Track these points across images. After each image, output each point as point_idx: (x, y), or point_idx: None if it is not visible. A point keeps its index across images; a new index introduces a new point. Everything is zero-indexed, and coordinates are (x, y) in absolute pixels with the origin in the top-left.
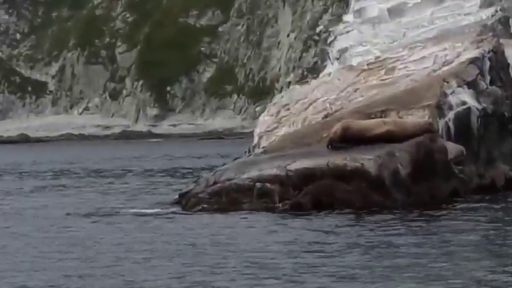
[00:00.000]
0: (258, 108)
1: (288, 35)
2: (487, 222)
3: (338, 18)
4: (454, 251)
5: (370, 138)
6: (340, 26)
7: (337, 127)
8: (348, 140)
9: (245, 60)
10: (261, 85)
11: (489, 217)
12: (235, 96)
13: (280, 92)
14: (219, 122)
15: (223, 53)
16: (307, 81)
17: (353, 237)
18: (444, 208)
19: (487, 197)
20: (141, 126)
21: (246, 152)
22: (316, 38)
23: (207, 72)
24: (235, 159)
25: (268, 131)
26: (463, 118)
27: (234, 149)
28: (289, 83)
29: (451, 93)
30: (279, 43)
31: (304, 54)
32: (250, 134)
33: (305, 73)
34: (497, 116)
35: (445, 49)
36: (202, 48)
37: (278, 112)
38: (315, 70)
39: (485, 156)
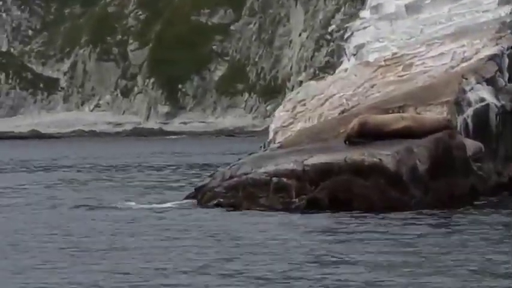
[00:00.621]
0: (269, 107)
1: (299, 34)
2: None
3: (350, 18)
4: (474, 247)
5: (388, 134)
6: (357, 22)
7: (354, 122)
8: (366, 135)
9: (257, 59)
10: (272, 84)
11: (508, 214)
12: (246, 95)
13: (292, 91)
14: (230, 120)
15: (234, 52)
16: (323, 77)
17: (372, 232)
18: (462, 205)
19: (506, 194)
20: (152, 124)
21: (261, 147)
22: (328, 37)
23: (219, 71)
24: (251, 154)
25: (284, 127)
26: (482, 115)
27: (245, 146)
28: (301, 82)
29: (469, 90)
30: (290, 42)
31: (316, 54)
32: (261, 133)
33: (317, 72)
34: None
35: (463, 46)
36: (213, 47)
37: (294, 108)
38: (326, 69)
39: (504, 154)
